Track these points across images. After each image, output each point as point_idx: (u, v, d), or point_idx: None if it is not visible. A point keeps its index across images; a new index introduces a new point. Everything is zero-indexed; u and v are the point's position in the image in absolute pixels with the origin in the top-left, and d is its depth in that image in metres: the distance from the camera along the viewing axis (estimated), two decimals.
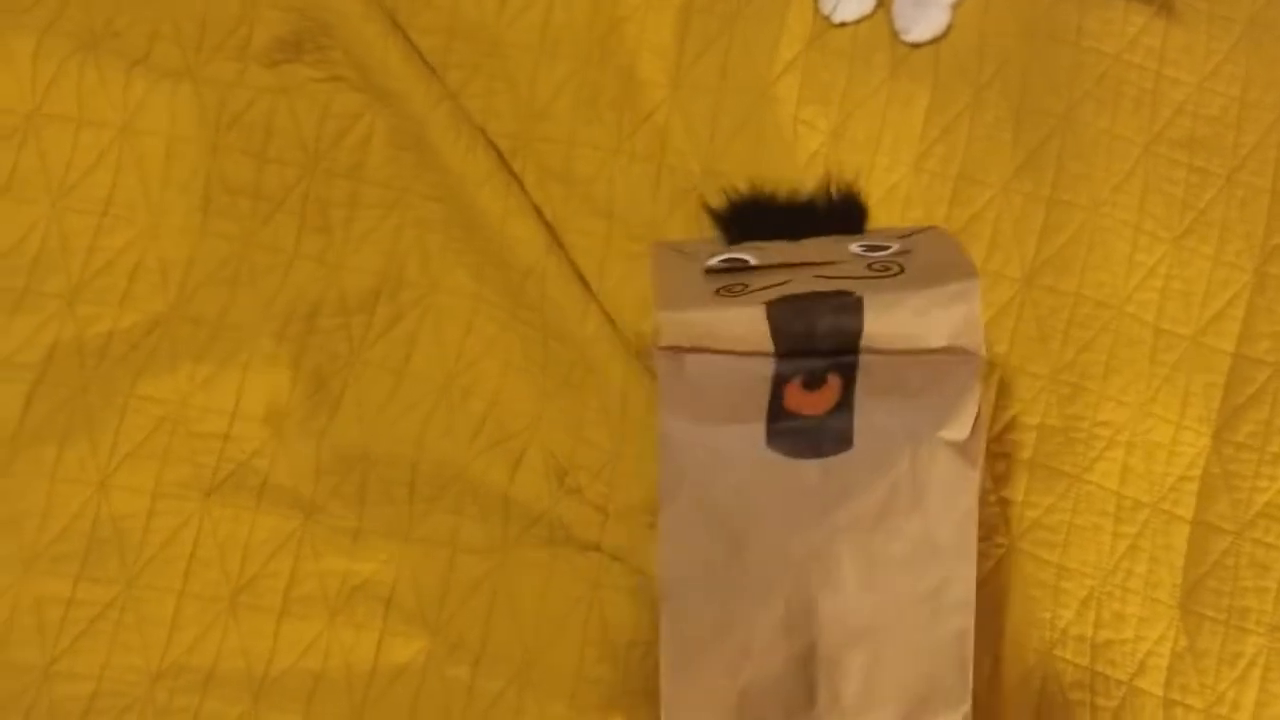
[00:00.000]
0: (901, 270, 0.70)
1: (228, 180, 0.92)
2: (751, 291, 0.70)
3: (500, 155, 0.92)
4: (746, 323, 0.68)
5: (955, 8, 0.93)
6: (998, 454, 0.89)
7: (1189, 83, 0.94)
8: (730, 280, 0.72)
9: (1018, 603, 0.86)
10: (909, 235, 0.77)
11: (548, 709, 0.84)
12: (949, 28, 0.93)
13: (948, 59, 0.93)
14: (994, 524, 0.87)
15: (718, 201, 0.79)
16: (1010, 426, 0.89)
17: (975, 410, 0.67)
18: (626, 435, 0.88)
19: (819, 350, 0.68)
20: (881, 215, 0.91)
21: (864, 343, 0.68)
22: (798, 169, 0.91)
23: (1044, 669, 0.86)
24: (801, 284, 0.70)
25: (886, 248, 0.74)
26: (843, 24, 0.93)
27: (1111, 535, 0.88)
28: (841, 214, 0.80)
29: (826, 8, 0.93)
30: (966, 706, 0.69)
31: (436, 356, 0.90)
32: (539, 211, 0.91)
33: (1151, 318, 0.91)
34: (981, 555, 0.86)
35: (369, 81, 0.92)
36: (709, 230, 0.88)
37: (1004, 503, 0.88)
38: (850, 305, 0.67)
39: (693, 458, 0.68)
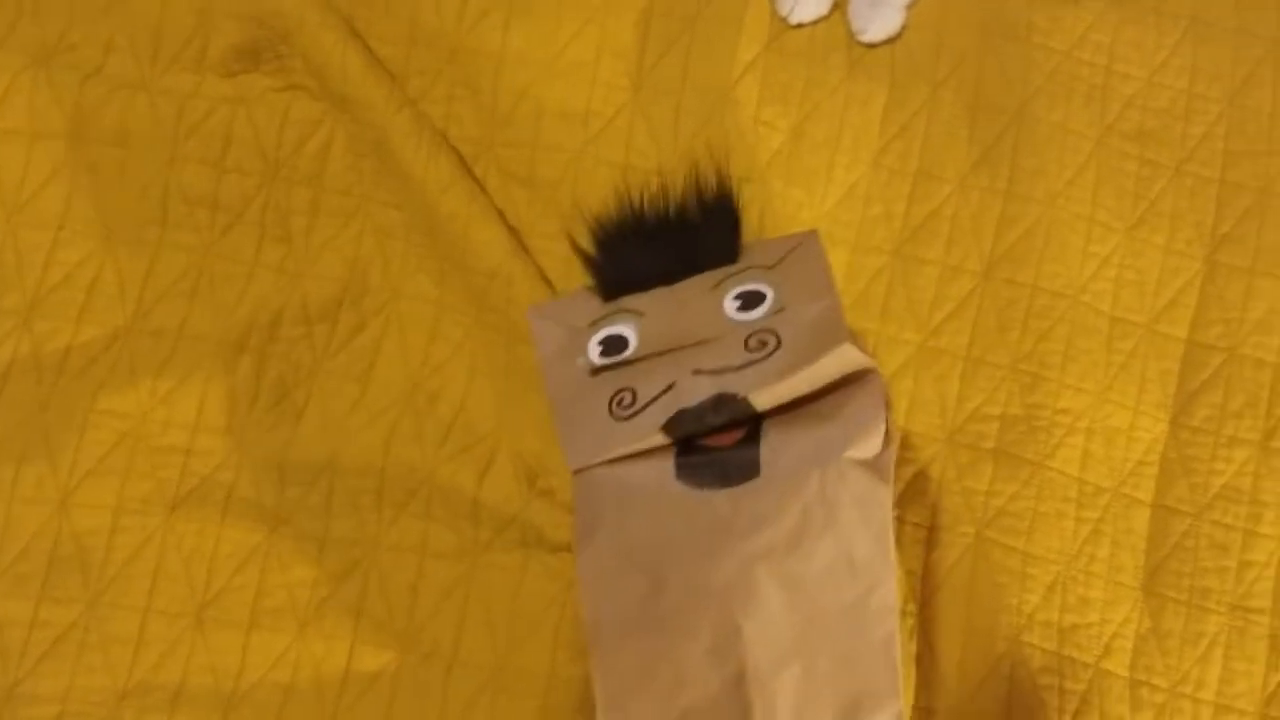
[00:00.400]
0: (778, 343, 0.72)
1: (186, 191, 0.91)
2: (641, 407, 0.72)
3: (463, 161, 0.92)
4: (646, 442, 0.72)
5: (910, 8, 0.95)
6: (961, 444, 0.90)
7: (1138, 77, 0.96)
8: (617, 382, 0.75)
9: (985, 591, 0.87)
10: (781, 260, 0.78)
11: (521, 712, 0.84)
12: (904, 28, 0.95)
13: (903, 58, 0.95)
14: (958, 513, 0.88)
15: (586, 241, 0.81)
16: (973, 417, 0.90)
17: (883, 427, 0.69)
18: None
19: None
20: (842, 213, 0.92)
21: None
22: (759, 168, 0.92)
23: (1013, 655, 0.87)
24: (686, 389, 0.72)
25: (761, 297, 0.76)
26: (800, 25, 0.94)
27: (1074, 520, 0.89)
28: (716, 223, 0.81)
29: (784, 9, 0.94)
30: (898, 706, 0.70)
31: (400, 363, 0.89)
32: (502, 216, 0.91)
33: (1107, 307, 0.92)
34: (947, 545, 0.88)
35: (328, 89, 0.92)
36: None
37: (967, 492, 0.89)
38: (738, 405, 0.70)
39: (606, 497, 0.70)
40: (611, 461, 0.71)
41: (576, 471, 0.74)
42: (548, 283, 0.90)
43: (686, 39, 0.94)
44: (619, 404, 0.72)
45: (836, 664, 0.70)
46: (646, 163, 0.92)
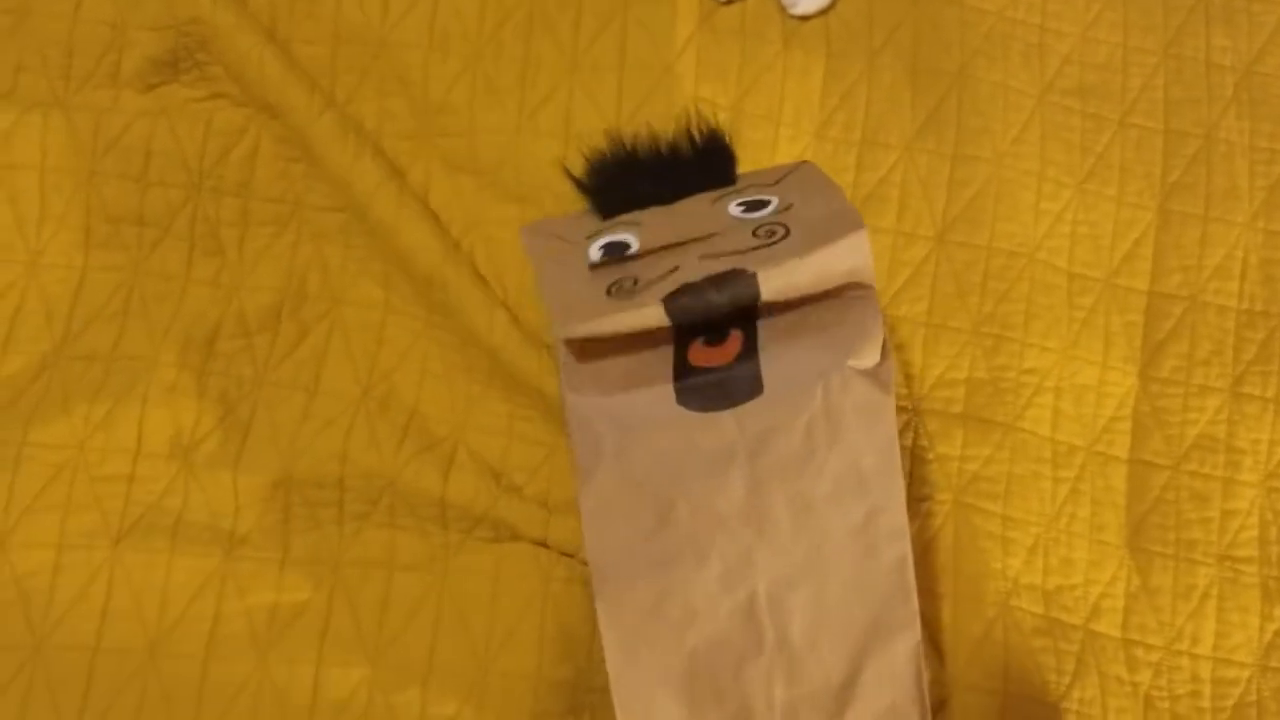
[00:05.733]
0: (787, 232, 0.70)
1: (109, 208, 0.87)
2: (642, 288, 0.68)
3: (390, 162, 0.89)
4: (646, 321, 0.67)
5: None
6: (929, 411, 0.88)
7: (1072, 34, 0.95)
8: (618, 273, 0.71)
9: (969, 557, 0.85)
10: (781, 179, 0.76)
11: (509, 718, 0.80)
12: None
13: (838, 28, 0.94)
14: (935, 481, 0.86)
15: (579, 169, 0.78)
16: (938, 383, 0.89)
17: (881, 336, 0.67)
18: (558, 429, 0.85)
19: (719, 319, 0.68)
20: None
21: (762, 306, 0.67)
22: None
23: (1004, 620, 0.84)
24: (691, 268, 0.69)
25: (765, 203, 0.73)
26: (729, 2, 0.93)
27: (1051, 481, 0.88)
28: (709, 161, 0.78)
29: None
30: (916, 633, 0.68)
31: (349, 370, 0.86)
32: (436, 217, 0.88)
33: (1064, 263, 0.91)
34: (927, 514, 0.86)
35: (251, 96, 0.89)
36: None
37: (941, 459, 0.87)
38: (745, 281, 0.66)
39: (605, 430, 0.66)
40: (608, 394, 0.66)
41: (572, 399, 0.67)
42: (484, 283, 0.87)
43: (621, 17, 0.92)
44: (618, 289, 0.68)
45: (848, 589, 0.68)
46: (590, 132, 0.89)
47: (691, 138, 0.78)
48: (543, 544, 0.83)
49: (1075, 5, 0.96)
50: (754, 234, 0.70)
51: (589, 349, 0.68)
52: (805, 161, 0.78)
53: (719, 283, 0.66)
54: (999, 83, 0.93)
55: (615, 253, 0.72)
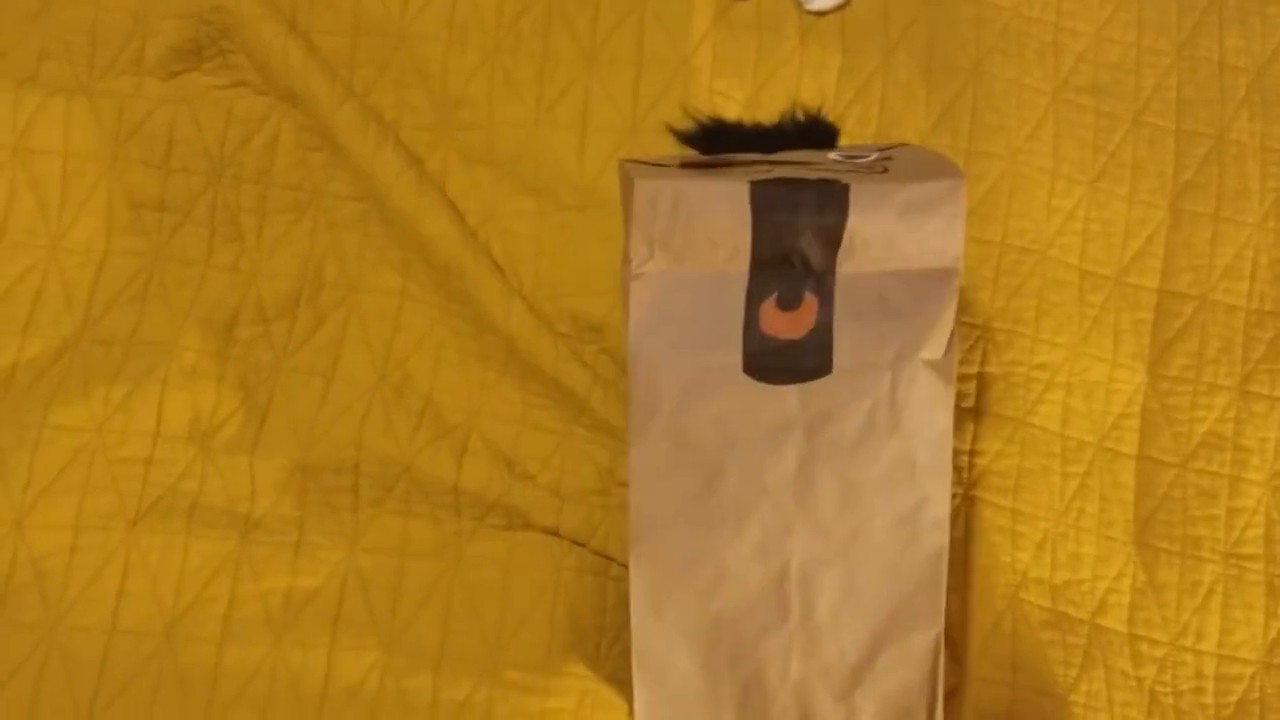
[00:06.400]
0: (886, 170, 0.69)
1: (131, 194, 0.88)
2: (734, 174, 0.67)
3: (409, 152, 0.89)
4: (728, 202, 0.65)
5: None
6: None
7: (1086, 33, 0.96)
8: (712, 166, 0.70)
9: (980, 550, 0.86)
10: (887, 149, 0.76)
11: (520, 705, 0.81)
12: None
13: (854, 24, 0.94)
14: None
15: (684, 124, 0.77)
16: None
17: (951, 328, 0.67)
18: (570, 418, 0.86)
19: (797, 256, 0.67)
20: None
21: (845, 242, 0.66)
22: None
23: (1013, 612, 0.85)
24: (787, 171, 0.68)
25: (866, 156, 0.73)
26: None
27: (1060, 476, 0.88)
28: (811, 136, 0.78)
29: None
30: (939, 629, 0.68)
31: (365, 356, 0.87)
32: (453, 205, 0.89)
33: (1075, 260, 0.92)
34: None
35: (272, 84, 0.89)
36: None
37: (953, 453, 0.87)
38: (837, 194, 0.65)
39: (666, 388, 0.66)
40: (676, 350, 0.65)
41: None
42: (500, 273, 0.88)
43: (639, 12, 0.92)
44: (710, 169, 0.68)
45: (881, 574, 0.69)
46: (609, 123, 0.90)
47: (795, 117, 0.78)
48: (554, 533, 0.84)
49: (1090, 4, 0.96)
50: (852, 170, 0.70)
51: (661, 292, 0.66)
52: (910, 143, 0.78)
53: (811, 186, 0.65)
54: (1013, 80, 0.94)
55: (712, 161, 0.71)
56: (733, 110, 0.91)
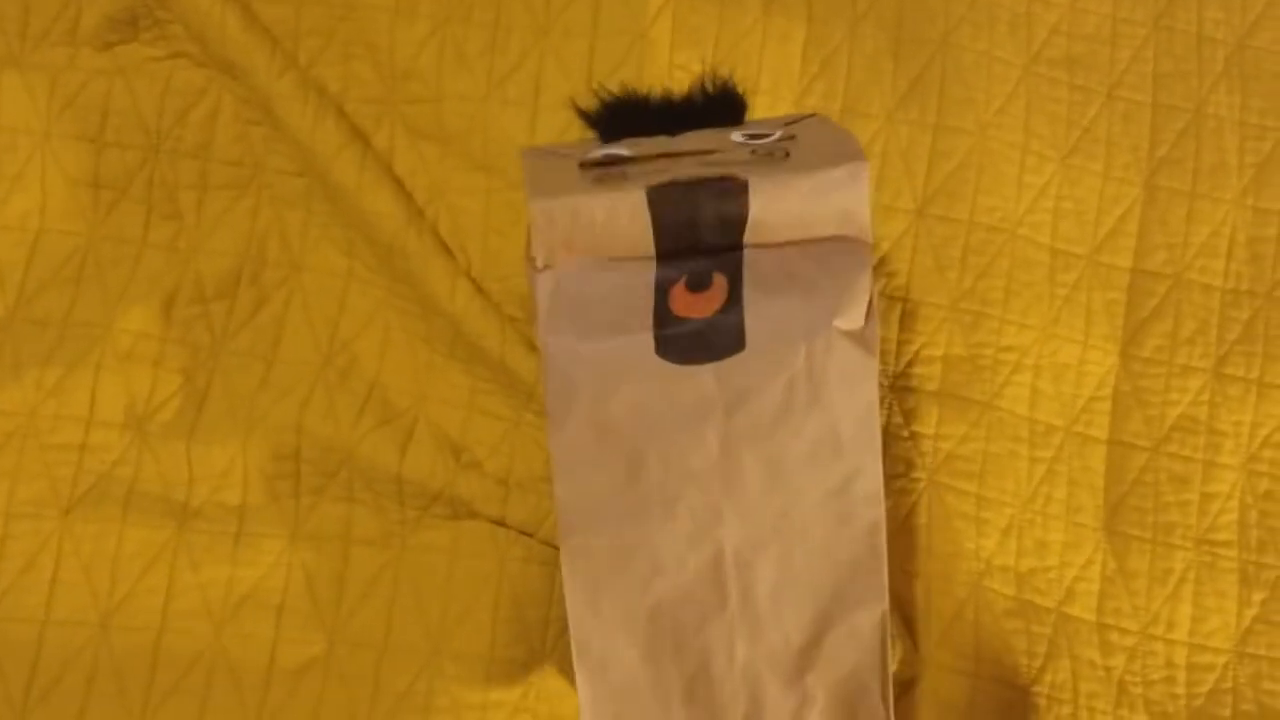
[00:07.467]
0: (787, 155, 0.67)
1: (65, 170, 0.85)
2: (631, 180, 0.66)
3: (353, 126, 0.86)
4: (626, 211, 0.64)
5: None
6: (904, 388, 0.86)
7: (1060, 3, 0.93)
8: (608, 171, 0.69)
9: (942, 536, 0.84)
10: (792, 123, 0.74)
11: (461, 697, 0.79)
12: None
13: None
14: (909, 459, 0.85)
15: (589, 103, 0.75)
16: (915, 360, 0.87)
17: (868, 297, 0.65)
18: (520, 404, 0.83)
19: (703, 245, 0.65)
20: None
21: (750, 231, 0.65)
22: None
23: (975, 600, 0.83)
24: (684, 170, 0.67)
25: (770, 135, 0.71)
26: None
27: (1028, 461, 0.86)
28: (720, 108, 0.76)
29: None
30: (884, 605, 0.66)
31: (309, 338, 0.84)
32: (399, 182, 0.86)
33: (1046, 239, 0.89)
34: (901, 492, 0.84)
35: (211, 56, 0.86)
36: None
37: (916, 437, 0.85)
38: (735, 190, 0.64)
39: (581, 377, 0.65)
40: (586, 339, 0.64)
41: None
42: (447, 252, 0.85)
43: None
44: (606, 179, 0.66)
45: (817, 553, 0.67)
46: (560, 101, 0.87)
47: (704, 87, 0.76)
48: (500, 522, 0.82)
49: None
50: (753, 154, 0.69)
51: (567, 284, 0.65)
52: (817, 113, 0.76)
53: (709, 185, 0.64)
54: (984, 52, 0.91)
55: (610, 159, 0.70)
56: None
